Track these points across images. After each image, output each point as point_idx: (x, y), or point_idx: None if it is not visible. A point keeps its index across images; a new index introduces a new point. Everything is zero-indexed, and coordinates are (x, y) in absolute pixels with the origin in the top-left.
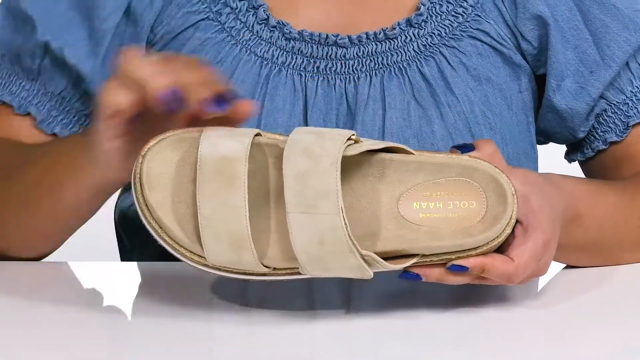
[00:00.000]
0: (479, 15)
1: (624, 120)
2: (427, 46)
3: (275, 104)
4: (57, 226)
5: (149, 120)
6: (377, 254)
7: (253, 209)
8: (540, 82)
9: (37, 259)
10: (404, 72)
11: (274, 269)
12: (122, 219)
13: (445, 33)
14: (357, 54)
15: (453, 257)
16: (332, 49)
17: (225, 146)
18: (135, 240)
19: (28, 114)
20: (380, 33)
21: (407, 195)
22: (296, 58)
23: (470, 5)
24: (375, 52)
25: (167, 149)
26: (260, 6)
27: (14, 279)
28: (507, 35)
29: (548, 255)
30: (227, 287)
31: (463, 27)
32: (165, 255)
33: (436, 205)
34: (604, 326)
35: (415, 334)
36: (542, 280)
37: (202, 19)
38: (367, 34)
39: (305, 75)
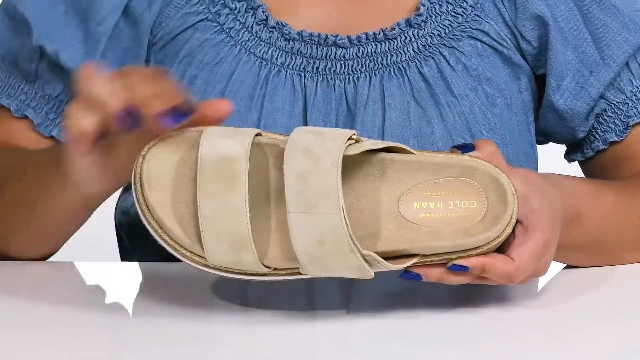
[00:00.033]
0: (478, 16)
1: (623, 120)
2: (427, 46)
3: (274, 104)
4: (52, 230)
5: (117, 134)
6: (378, 253)
7: (253, 209)
8: (540, 82)
9: (40, 259)
10: (403, 72)
11: (275, 269)
12: (123, 219)
13: (445, 33)
14: (356, 54)
15: (453, 257)
16: (331, 50)
17: (226, 146)
18: (135, 240)
19: (26, 117)
20: (379, 33)
21: (407, 195)
22: (295, 58)
23: (470, 6)
24: (375, 52)
25: (167, 149)
26: (259, 7)
27: (15, 279)
28: (507, 35)
29: (548, 255)
30: (227, 287)
31: (463, 27)
32: (165, 256)
33: (437, 205)
34: (604, 326)
35: (416, 334)
36: (542, 280)
37: (201, 20)
38: (366, 34)
39: (305, 75)
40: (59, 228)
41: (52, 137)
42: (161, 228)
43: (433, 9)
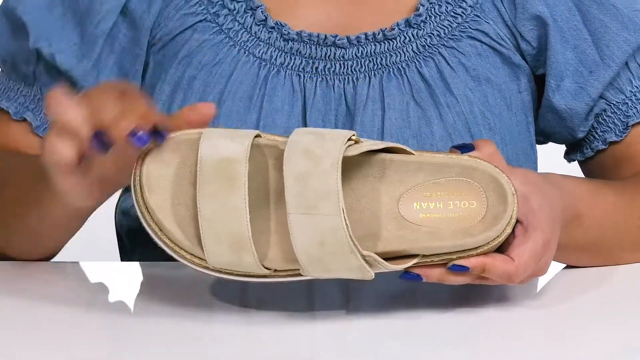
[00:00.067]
0: (478, 16)
1: (623, 120)
2: (426, 47)
3: (274, 105)
4: (49, 234)
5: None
6: (378, 254)
7: (253, 210)
8: (539, 82)
9: (40, 260)
10: (403, 72)
11: (275, 270)
12: (123, 219)
13: (445, 33)
14: (355, 54)
15: (454, 257)
16: (330, 50)
17: (225, 148)
18: (135, 240)
19: (24, 119)
20: (379, 34)
21: (407, 196)
22: (295, 59)
23: (470, 6)
24: (374, 52)
25: (166, 151)
26: (258, 7)
27: (14, 279)
28: (507, 35)
29: (548, 255)
30: (227, 287)
31: (462, 27)
32: (166, 256)
33: (436, 205)
34: (604, 326)
35: (416, 334)
36: (542, 280)
37: (200, 21)
38: (365, 34)
39: (304, 76)
40: (55, 233)
41: None
42: (161, 230)
43: (432, 9)
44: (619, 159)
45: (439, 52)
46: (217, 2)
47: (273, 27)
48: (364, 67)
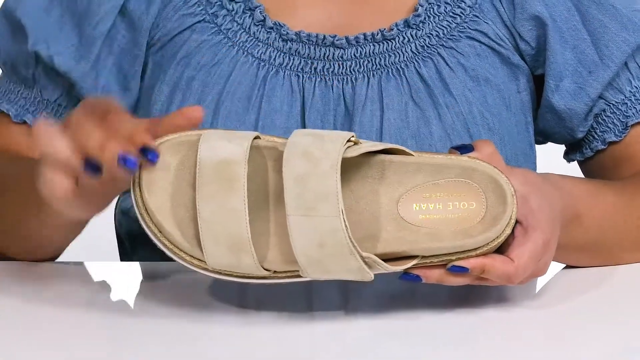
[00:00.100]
0: (477, 16)
1: (622, 120)
2: (425, 47)
3: (272, 105)
4: (48, 239)
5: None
6: (377, 255)
7: (252, 212)
8: (538, 83)
9: (41, 261)
10: (401, 73)
11: (274, 272)
12: (122, 219)
13: (443, 34)
14: (354, 54)
15: (453, 258)
16: (329, 50)
17: (225, 149)
18: (135, 241)
19: (25, 122)
20: (377, 34)
21: (406, 197)
22: (293, 59)
23: (468, 6)
24: (373, 53)
25: (166, 153)
26: (256, 7)
27: (14, 279)
28: (505, 35)
29: (548, 256)
30: (227, 287)
31: (461, 27)
32: (165, 256)
33: (436, 206)
34: (603, 326)
35: (415, 335)
36: (542, 281)
37: (199, 22)
38: (364, 34)
39: (303, 76)
40: (56, 237)
41: None
42: (160, 232)
43: (431, 10)
44: (618, 159)
45: (438, 53)
46: (216, 2)
47: (272, 28)
48: (362, 68)
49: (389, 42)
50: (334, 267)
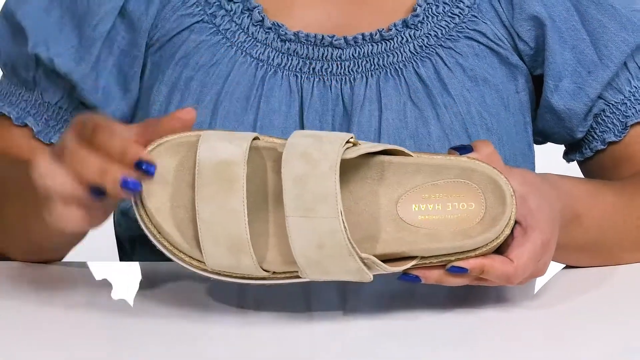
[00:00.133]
0: (475, 16)
1: (622, 120)
2: (424, 47)
3: (271, 105)
4: (49, 244)
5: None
6: (376, 256)
7: (251, 212)
8: (537, 83)
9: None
10: (400, 73)
11: (273, 273)
12: (122, 220)
13: (442, 34)
14: (352, 55)
15: (452, 258)
16: (327, 50)
17: (224, 150)
18: (134, 243)
19: (26, 125)
20: (376, 34)
21: (405, 198)
22: (292, 59)
23: (467, 6)
24: (371, 53)
25: (165, 154)
26: (255, 8)
27: (14, 279)
28: (504, 35)
29: (547, 256)
30: (226, 287)
31: (459, 27)
32: (164, 258)
33: (435, 207)
34: (603, 326)
35: (414, 335)
36: (541, 281)
37: (197, 22)
38: (362, 35)
39: (301, 76)
40: (58, 243)
41: (52, 143)
42: (160, 233)
43: (430, 10)
44: (617, 159)
45: (436, 53)
46: (214, 3)
47: (270, 28)
48: (361, 68)
49: (387, 42)
50: (333, 268)
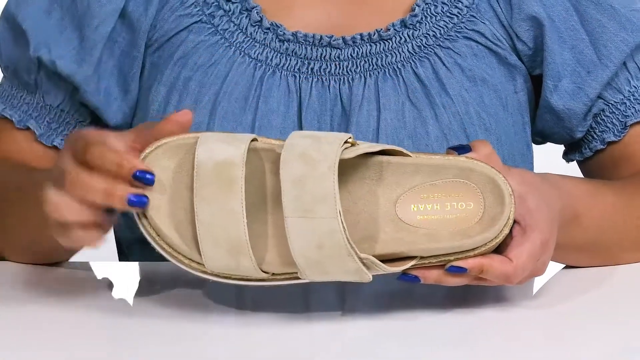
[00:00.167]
0: (474, 16)
1: (621, 119)
2: (422, 47)
3: (269, 105)
4: (50, 249)
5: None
6: (376, 256)
7: (250, 214)
8: (536, 83)
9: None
10: (398, 73)
11: (273, 274)
12: (121, 220)
13: (440, 34)
14: (351, 55)
15: (451, 258)
16: (326, 50)
17: (222, 152)
18: (132, 244)
19: (28, 128)
20: (374, 34)
21: (404, 198)
22: (290, 59)
23: (465, 6)
24: (370, 53)
25: (163, 156)
26: (253, 8)
27: (14, 279)
28: (503, 35)
29: (546, 255)
30: (226, 288)
31: (458, 27)
32: (163, 259)
33: (434, 207)
34: (603, 326)
35: (413, 335)
36: (541, 280)
37: (195, 22)
38: (361, 35)
39: (300, 76)
40: (59, 248)
41: (54, 146)
42: (159, 235)
43: (428, 10)
44: (617, 159)
45: (435, 53)
46: (213, 3)
47: (268, 28)
48: (359, 68)
49: (385, 42)
50: (332, 269)
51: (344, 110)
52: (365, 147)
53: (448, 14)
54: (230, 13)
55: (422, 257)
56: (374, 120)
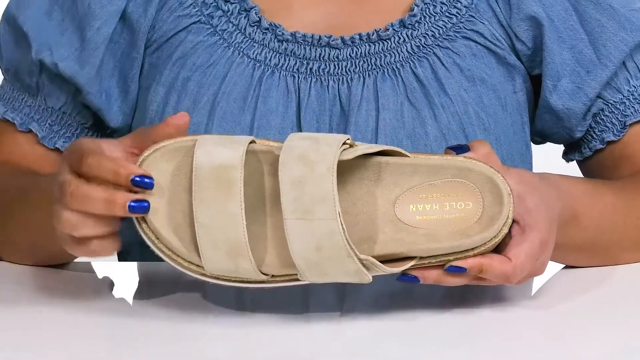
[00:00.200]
0: (473, 16)
1: (621, 119)
2: (421, 47)
3: (268, 105)
4: (50, 252)
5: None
6: (375, 257)
7: (249, 216)
8: (535, 83)
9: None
10: (397, 73)
11: (272, 276)
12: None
13: (439, 34)
14: (350, 55)
15: (451, 258)
16: (325, 50)
17: (220, 154)
18: (131, 247)
19: (30, 130)
20: (373, 34)
21: (403, 198)
22: (289, 60)
23: (464, 6)
24: (369, 53)
25: (161, 159)
26: (252, 8)
27: (14, 279)
28: (502, 35)
29: (545, 255)
30: (225, 288)
31: (457, 27)
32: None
33: (432, 207)
34: (603, 326)
35: (413, 335)
36: (540, 280)
37: (194, 22)
38: (360, 35)
39: (298, 76)
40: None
41: (57, 148)
42: (158, 238)
43: (427, 10)
44: (617, 159)
45: (434, 53)
46: (211, 3)
47: (267, 28)
48: (358, 68)
49: (384, 42)
50: (332, 270)
51: (342, 110)
52: (363, 148)
53: (447, 14)
54: (228, 13)
55: (421, 258)
56: (373, 120)
